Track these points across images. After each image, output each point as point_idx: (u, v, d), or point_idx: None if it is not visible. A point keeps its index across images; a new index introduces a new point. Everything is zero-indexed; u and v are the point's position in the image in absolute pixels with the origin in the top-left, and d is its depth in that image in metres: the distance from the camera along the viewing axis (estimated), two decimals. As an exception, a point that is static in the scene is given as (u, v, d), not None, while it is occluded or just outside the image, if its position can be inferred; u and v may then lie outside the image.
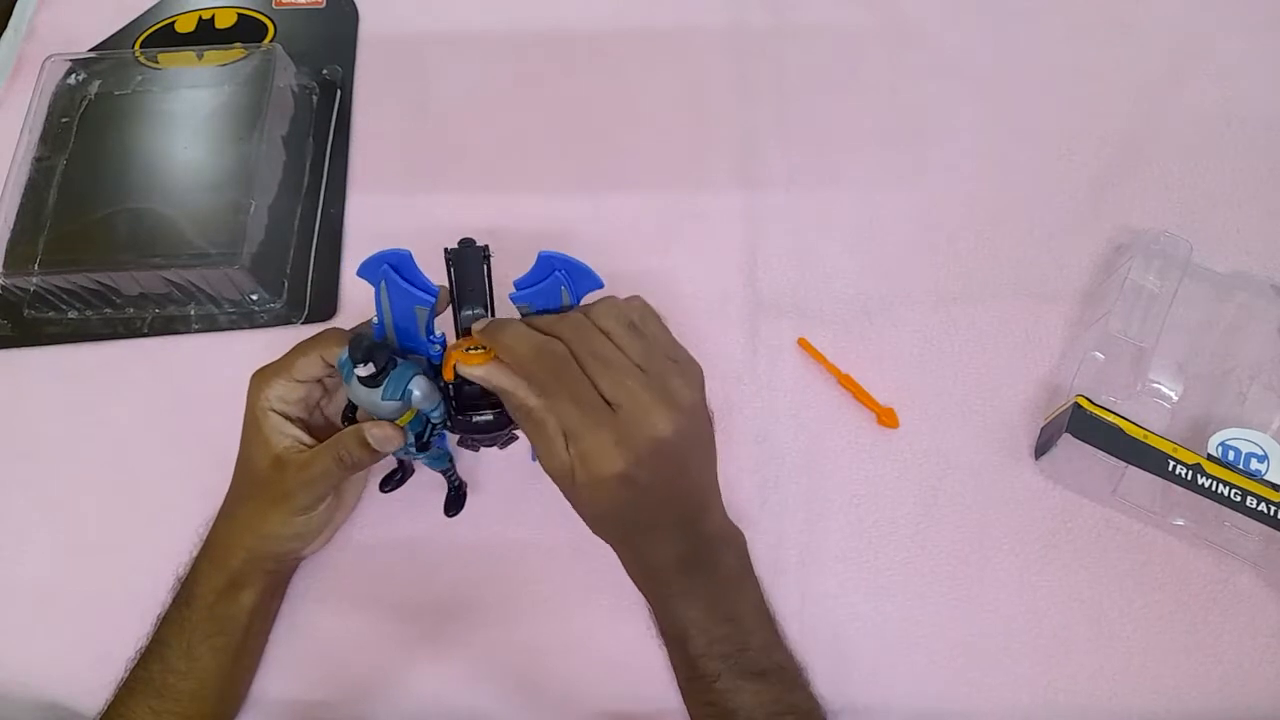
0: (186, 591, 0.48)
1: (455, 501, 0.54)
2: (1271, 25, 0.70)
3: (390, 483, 0.54)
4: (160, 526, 0.53)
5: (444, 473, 0.53)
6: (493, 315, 0.47)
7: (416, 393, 0.46)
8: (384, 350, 0.44)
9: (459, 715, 0.51)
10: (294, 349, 0.48)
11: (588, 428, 0.41)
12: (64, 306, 0.60)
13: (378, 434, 0.45)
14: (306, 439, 0.47)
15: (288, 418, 0.48)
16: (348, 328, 0.49)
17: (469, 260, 0.46)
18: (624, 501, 0.43)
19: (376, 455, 0.46)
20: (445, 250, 0.46)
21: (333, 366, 0.47)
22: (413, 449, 0.48)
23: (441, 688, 0.51)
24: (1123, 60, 0.69)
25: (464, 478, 0.54)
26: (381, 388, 0.45)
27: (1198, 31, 0.70)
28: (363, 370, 0.44)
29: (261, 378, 0.48)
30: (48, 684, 0.52)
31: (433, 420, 0.48)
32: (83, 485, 0.57)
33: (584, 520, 0.45)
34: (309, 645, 0.52)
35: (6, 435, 0.58)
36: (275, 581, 0.50)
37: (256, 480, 0.47)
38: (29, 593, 0.54)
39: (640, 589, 0.47)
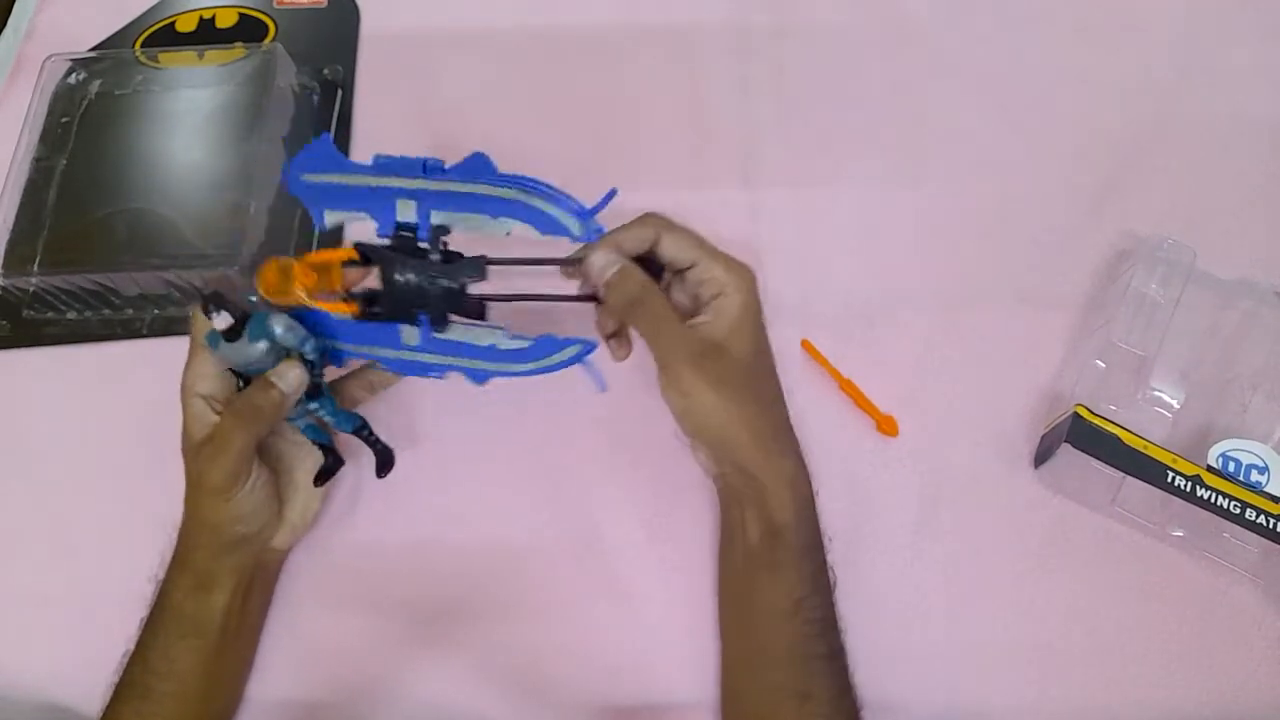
0: (160, 593, 0.48)
1: (384, 462, 0.53)
2: (1278, 32, 0.69)
3: (323, 476, 0.52)
4: (158, 527, 0.52)
5: (359, 433, 0.51)
6: None
7: (278, 329, 0.45)
8: (233, 301, 0.44)
9: (459, 716, 0.51)
10: (192, 322, 0.48)
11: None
12: (63, 307, 0.60)
13: (285, 373, 0.45)
14: None
15: (211, 401, 0.47)
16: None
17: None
18: (754, 342, 0.47)
19: (281, 400, 0.45)
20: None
21: None
22: (309, 404, 0.48)
23: (441, 688, 0.51)
24: (1127, 65, 0.69)
25: (463, 481, 0.54)
26: (244, 339, 0.44)
27: (1203, 36, 0.70)
28: (219, 321, 0.43)
29: (185, 369, 0.48)
30: (46, 684, 0.52)
31: (308, 357, 0.47)
32: (81, 486, 0.57)
33: (725, 383, 0.45)
34: (308, 646, 0.52)
35: (5, 436, 0.58)
36: (249, 580, 0.49)
37: (187, 473, 0.47)
38: (26, 593, 0.54)
39: (773, 457, 0.47)
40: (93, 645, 0.51)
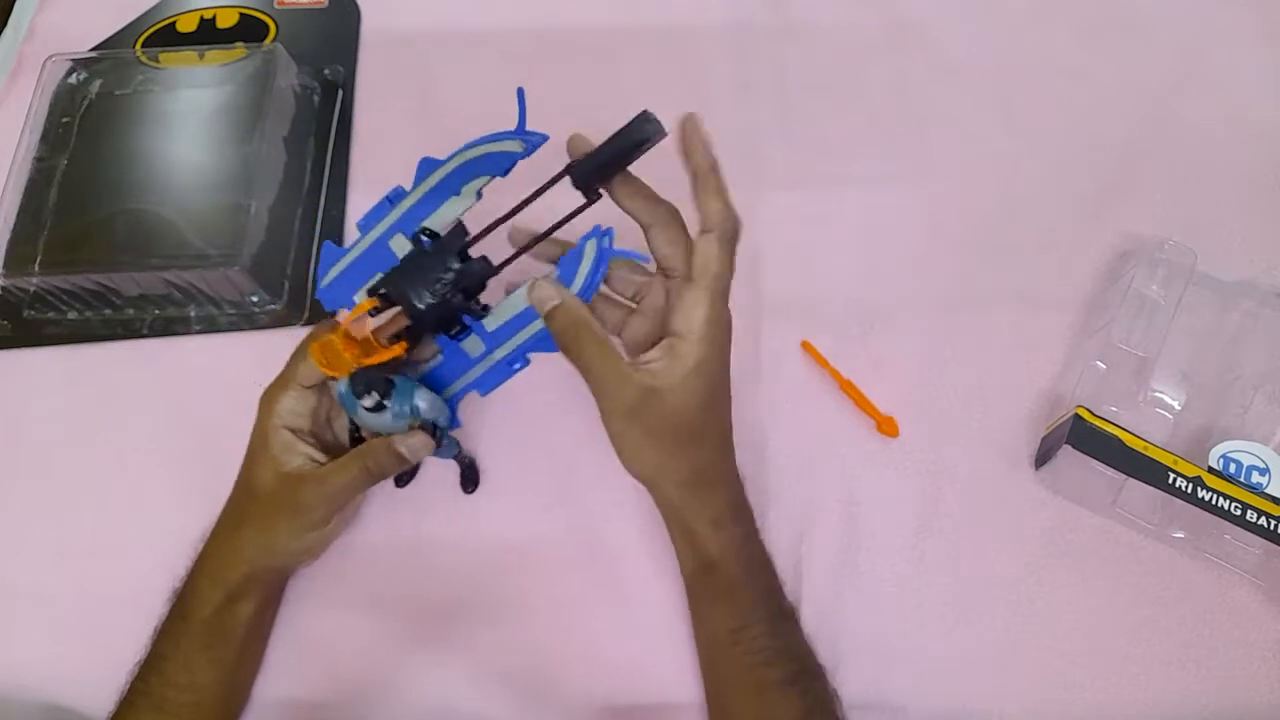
0: (182, 606, 0.47)
1: (471, 478, 0.56)
2: (1278, 34, 0.69)
3: (404, 479, 0.56)
4: (159, 527, 0.53)
5: (455, 458, 0.54)
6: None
7: (423, 405, 0.47)
8: (382, 379, 0.45)
9: (458, 716, 0.51)
10: (293, 356, 0.48)
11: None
12: (64, 307, 0.60)
13: (413, 443, 0.46)
14: (320, 456, 0.47)
15: (299, 434, 0.48)
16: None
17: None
18: (701, 397, 0.44)
19: (406, 464, 0.46)
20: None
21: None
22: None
23: (441, 688, 0.51)
24: (1128, 66, 0.69)
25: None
26: (389, 410, 0.45)
27: (1203, 38, 0.70)
28: (368, 401, 0.45)
29: (269, 395, 0.48)
30: (47, 684, 0.52)
31: (439, 425, 0.49)
32: (82, 486, 0.57)
33: (656, 434, 0.44)
34: (310, 646, 0.52)
35: (6, 436, 0.58)
36: (272, 592, 0.50)
37: (263, 497, 0.47)
38: (28, 593, 0.54)
39: (705, 514, 0.46)
40: (95, 645, 0.51)
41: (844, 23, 0.72)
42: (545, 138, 0.45)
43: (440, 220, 0.47)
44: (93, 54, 0.69)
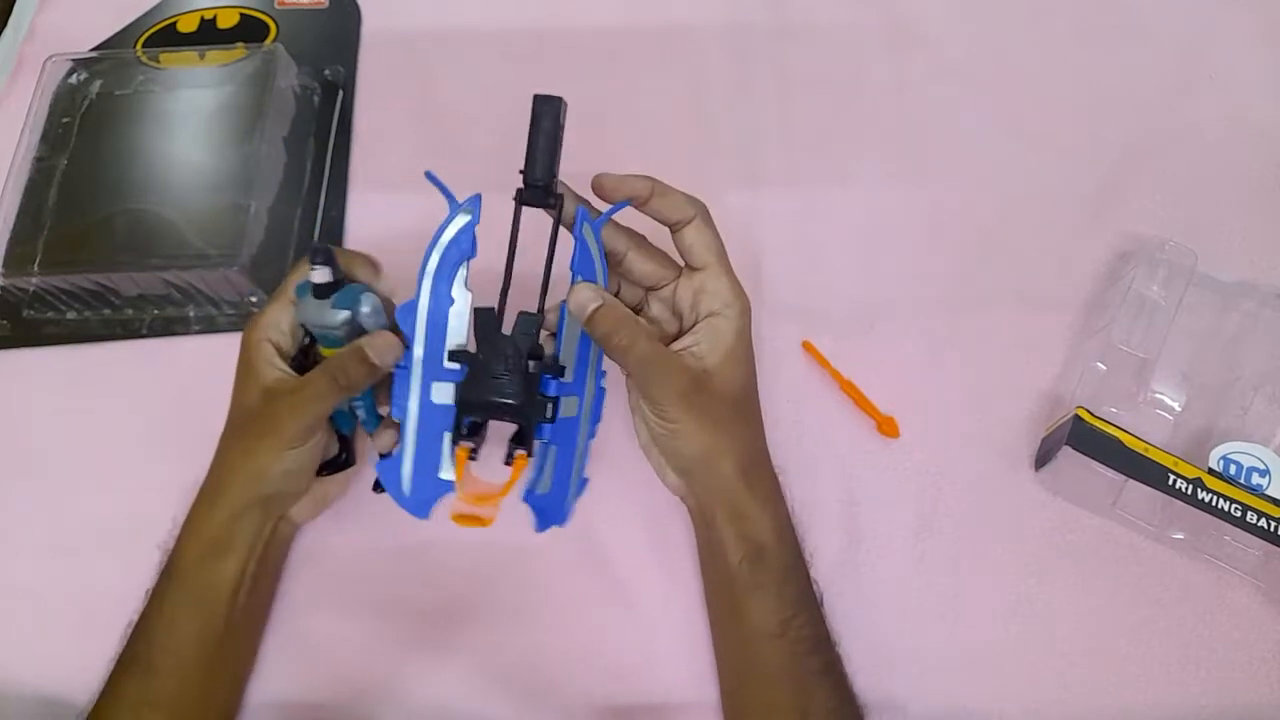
0: (169, 559, 0.47)
1: (335, 462, 0.53)
2: (1278, 35, 0.70)
3: (328, 468, 0.53)
4: (158, 527, 0.52)
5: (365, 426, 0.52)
6: None
7: (365, 308, 0.46)
8: (339, 266, 0.45)
9: (459, 716, 0.51)
10: (290, 272, 0.48)
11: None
12: (63, 307, 0.60)
13: (378, 344, 0.45)
14: (292, 374, 0.47)
15: (280, 351, 0.47)
16: None
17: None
18: (744, 371, 0.46)
19: (374, 371, 0.45)
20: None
21: None
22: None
23: (441, 690, 0.51)
24: (1128, 67, 0.69)
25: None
26: (331, 301, 0.45)
27: (1204, 39, 0.70)
28: (318, 275, 0.44)
29: (259, 312, 0.48)
30: (48, 683, 0.52)
31: None
32: (80, 486, 0.57)
33: (714, 418, 0.44)
34: (308, 647, 0.52)
35: (5, 435, 0.58)
36: (261, 551, 0.48)
37: (245, 416, 0.46)
38: (26, 592, 0.54)
39: (745, 493, 0.46)
40: (90, 644, 0.50)
41: (844, 23, 0.72)
42: (477, 197, 0.45)
43: (457, 337, 0.45)
44: (93, 54, 0.69)
